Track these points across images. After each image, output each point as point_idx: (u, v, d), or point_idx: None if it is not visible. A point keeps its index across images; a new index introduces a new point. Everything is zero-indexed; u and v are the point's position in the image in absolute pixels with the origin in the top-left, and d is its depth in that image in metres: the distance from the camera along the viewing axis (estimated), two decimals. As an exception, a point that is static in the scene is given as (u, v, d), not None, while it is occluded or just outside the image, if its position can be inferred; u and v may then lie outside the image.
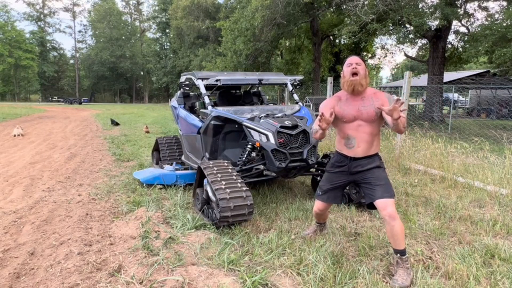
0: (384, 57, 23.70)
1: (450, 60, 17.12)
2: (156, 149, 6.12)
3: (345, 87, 2.48)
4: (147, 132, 11.43)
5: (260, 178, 4.14)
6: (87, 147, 8.23)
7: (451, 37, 16.22)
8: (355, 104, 2.46)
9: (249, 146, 3.89)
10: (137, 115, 20.28)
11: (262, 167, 3.98)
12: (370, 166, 2.50)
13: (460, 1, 13.72)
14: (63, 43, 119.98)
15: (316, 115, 2.62)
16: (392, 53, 25.46)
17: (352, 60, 2.46)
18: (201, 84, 4.54)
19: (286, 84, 5.03)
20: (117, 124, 13.91)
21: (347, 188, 3.82)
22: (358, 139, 2.47)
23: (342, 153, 2.59)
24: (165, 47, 50.43)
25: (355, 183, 2.62)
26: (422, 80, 21.75)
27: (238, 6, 19.71)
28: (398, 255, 2.38)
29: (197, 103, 4.96)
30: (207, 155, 4.24)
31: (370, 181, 2.47)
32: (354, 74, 2.41)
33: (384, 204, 2.36)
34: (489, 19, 12.88)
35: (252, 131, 3.76)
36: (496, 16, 13.00)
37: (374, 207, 2.49)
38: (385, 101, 2.43)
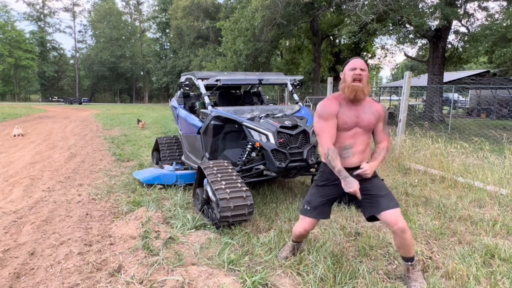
0: (384, 57, 23.77)
1: (450, 60, 17.13)
2: (156, 149, 6.12)
3: (346, 91, 2.23)
4: (143, 127, 11.65)
5: (260, 178, 4.14)
6: (87, 147, 8.23)
7: (451, 37, 16.25)
8: (355, 110, 2.27)
9: (249, 146, 3.88)
10: (137, 115, 20.22)
11: (262, 167, 3.98)
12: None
13: (460, 1, 13.74)
14: (63, 43, 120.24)
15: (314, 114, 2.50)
16: (392, 53, 25.46)
17: (357, 64, 2.21)
18: (201, 84, 4.54)
19: (286, 84, 5.04)
20: None
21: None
22: (354, 148, 2.30)
23: None
24: (165, 47, 50.41)
25: (350, 195, 2.30)
26: (422, 80, 21.74)
27: (238, 6, 19.77)
28: (409, 262, 2.29)
29: (197, 103, 4.96)
30: (207, 155, 4.24)
31: (371, 192, 2.27)
32: (357, 80, 2.18)
33: (394, 217, 2.15)
34: (489, 19, 12.89)
35: (252, 131, 3.76)
36: (496, 16, 13.02)
37: (375, 219, 2.31)
38: (382, 114, 2.33)
